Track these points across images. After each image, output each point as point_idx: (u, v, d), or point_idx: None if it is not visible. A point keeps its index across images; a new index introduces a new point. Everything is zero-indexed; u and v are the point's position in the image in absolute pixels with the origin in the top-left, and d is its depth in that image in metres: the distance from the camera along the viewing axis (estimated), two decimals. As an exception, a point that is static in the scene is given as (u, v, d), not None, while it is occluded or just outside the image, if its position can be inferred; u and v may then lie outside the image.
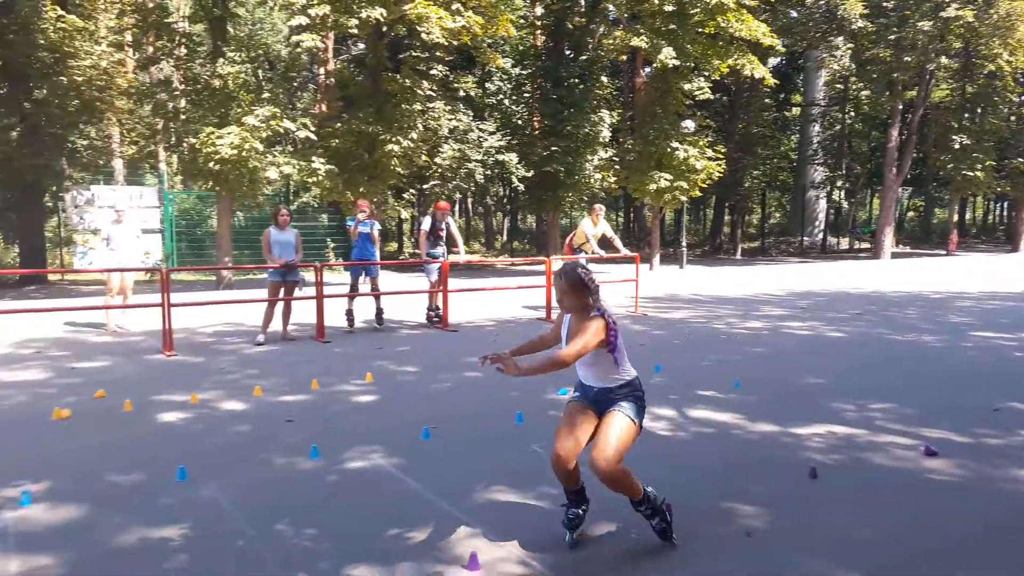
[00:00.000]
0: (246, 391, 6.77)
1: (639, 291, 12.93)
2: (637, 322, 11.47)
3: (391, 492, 4.35)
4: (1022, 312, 12.74)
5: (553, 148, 23.19)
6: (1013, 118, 34.06)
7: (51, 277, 18.76)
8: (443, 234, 11.17)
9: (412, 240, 34.70)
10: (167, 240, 19.46)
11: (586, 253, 12.44)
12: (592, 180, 23.99)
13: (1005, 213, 51.99)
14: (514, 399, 6.46)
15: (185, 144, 16.91)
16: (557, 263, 15.86)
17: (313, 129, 17.86)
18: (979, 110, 32.53)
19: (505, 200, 35.86)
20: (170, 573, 3.37)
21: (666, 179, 22.86)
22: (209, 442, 5.31)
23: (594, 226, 12.41)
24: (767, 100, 33.82)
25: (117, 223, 10.75)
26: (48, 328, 10.51)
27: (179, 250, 19.96)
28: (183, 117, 17.09)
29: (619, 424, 3.54)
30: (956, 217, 40.13)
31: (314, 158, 17.89)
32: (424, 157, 20.24)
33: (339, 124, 19.24)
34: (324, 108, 21.20)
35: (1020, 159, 32.90)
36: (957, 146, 30.37)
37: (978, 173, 30.29)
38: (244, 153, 15.57)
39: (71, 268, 18.96)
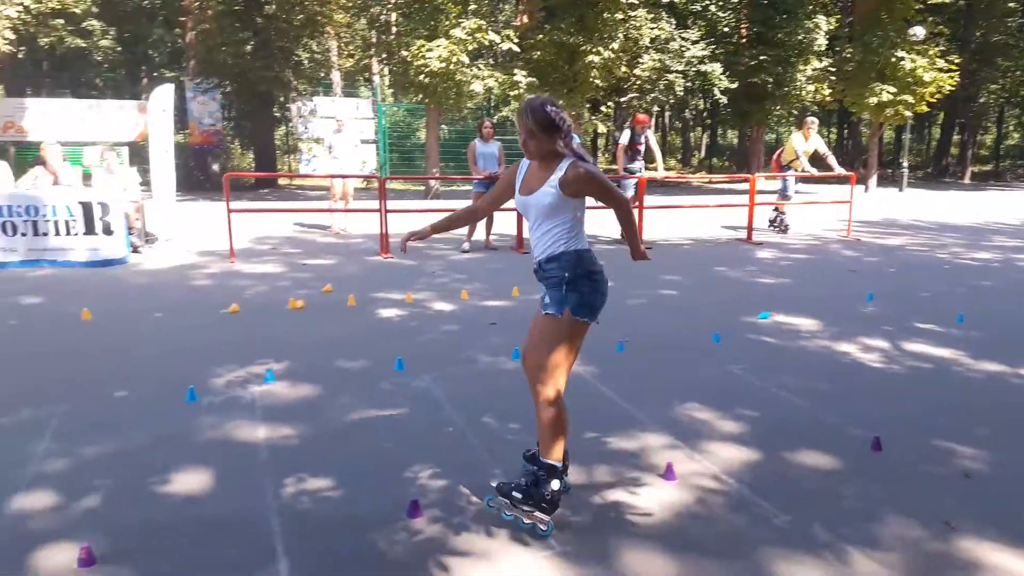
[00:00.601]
0: (454, 294, 7.20)
1: (852, 214, 12.07)
2: (849, 247, 10.77)
3: (588, 398, 4.52)
4: None
5: (762, 57, 21.72)
6: None
7: (280, 181, 20.65)
8: (641, 148, 10.98)
9: (607, 155, 34.36)
10: (381, 150, 20.64)
11: (795, 171, 11.75)
12: (804, 92, 22.28)
13: None
14: (710, 319, 6.38)
15: (397, 57, 17.64)
16: (762, 181, 15.11)
17: (516, 41, 17.94)
18: None
19: (705, 114, 34.30)
20: (388, 448, 3.76)
21: (889, 92, 20.74)
22: (422, 338, 5.76)
23: (805, 140, 11.62)
24: (1011, 3, 29.31)
25: (338, 132, 11.57)
26: (280, 227, 11.67)
27: (391, 160, 21.13)
28: (395, 30, 17.81)
29: (542, 323, 3.04)
30: None
31: (516, 71, 18.03)
32: (624, 68, 19.74)
33: (541, 35, 19.17)
34: (526, 19, 21.15)
35: None
36: None
37: None
38: (451, 66, 16.00)
39: (298, 173, 20.71)
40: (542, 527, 2.97)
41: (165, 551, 2.82)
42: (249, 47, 18.09)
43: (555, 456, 3.03)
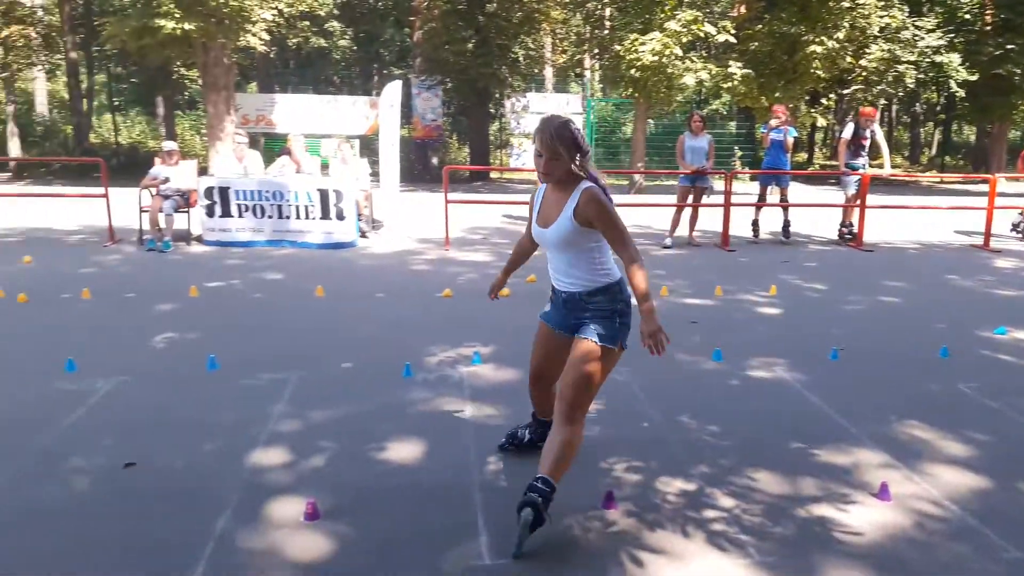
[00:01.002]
0: (654, 289, 7.13)
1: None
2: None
3: (794, 406, 4.33)
4: None
5: (1008, 47, 19.36)
6: None
7: (492, 174, 21.50)
8: (866, 143, 10.21)
9: (825, 150, 32.26)
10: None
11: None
12: (1059, 85, 19.63)
13: None
14: (937, 331, 5.85)
15: (610, 52, 17.70)
16: (1003, 182, 13.45)
17: (732, 32, 17.33)
18: None
19: (938, 108, 31.12)
20: (585, 437, 3.83)
21: None
22: (622, 332, 5.78)
23: None
24: None
25: (548, 127, 11.85)
26: (490, 218, 12.17)
27: (596, 155, 21.29)
28: (609, 24, 17.87)
29: (593, 354, 2.94)
30: None
31: (730, 62, 17.44)
32: (848, 59, 18.42)
33: (760, 26, 18.38)
34: (744, 10, 20.35)
35: None
36: None
37: None
38: (664, 59, 15.81)
39: (508, 167, 21.46)
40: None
41: (379, 513, 3.08)
42: (470, 45, 18.96)
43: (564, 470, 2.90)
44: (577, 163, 2.88)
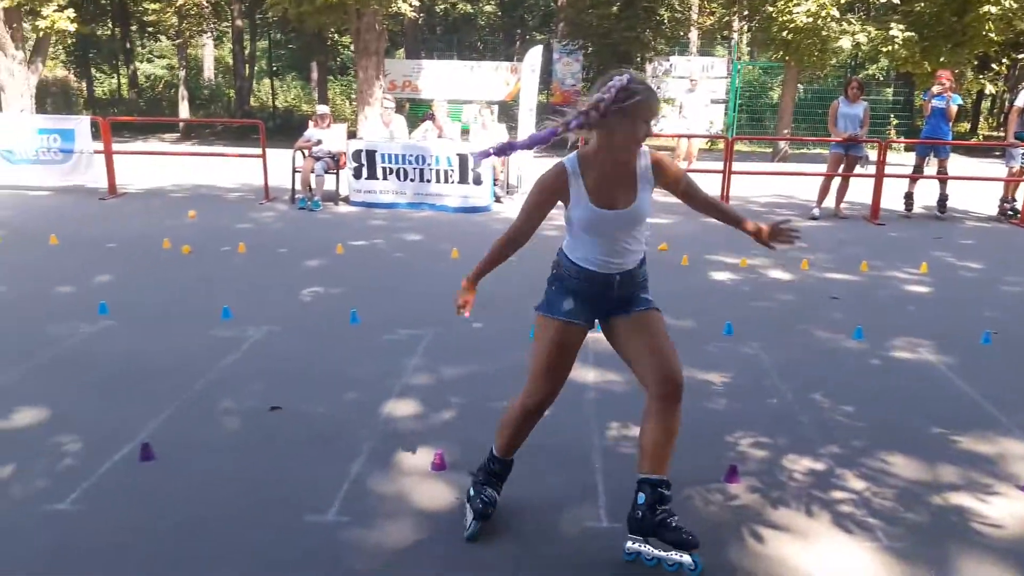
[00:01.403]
0: (794, 262, 6.90)
1: None
2: None
3: (939, 390, 4.10)
4: None
5: None
6: None
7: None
8: (1041, 113, 9.29)
9: (991, 120, 29.51)
10: (730, 110, 20.12)
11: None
12: None
13: None
14: (1116, 320, 5.32)
15: (761, 13, 16.90)
16: None
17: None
18: None
19: None
20: (711, 410, 3.80)
21: None
22: (754, 304, 5.64)
23: None
24: None
25: (690, 91, 11.55)
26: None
27: (739, 121, 20.49)
28: (761, -16, 17.03)
29: (662, 322, 2.72)
30: None
31: (892, 24, 16.21)
32: (1029, 19, 16.67)
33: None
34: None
35: None
36: None
37: None
38: (819, 20, 14.93)
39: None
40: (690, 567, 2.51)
41: (504, 467, 3.20)
42: (615, 8, 18.62)
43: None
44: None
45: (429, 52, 27.72)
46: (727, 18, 22.28)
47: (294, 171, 9.83)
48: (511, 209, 9.80)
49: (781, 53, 16.41)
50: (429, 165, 9.47)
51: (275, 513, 2.84)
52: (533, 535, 2.75)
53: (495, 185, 9.87)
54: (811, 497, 3.00)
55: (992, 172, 11.34)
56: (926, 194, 10.21)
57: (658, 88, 20.25)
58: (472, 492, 2.82)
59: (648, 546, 2.54)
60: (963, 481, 3.13)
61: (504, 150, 2.71)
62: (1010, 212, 9.56)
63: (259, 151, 10.12)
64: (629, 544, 2.57)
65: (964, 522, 2.84)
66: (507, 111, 18.24)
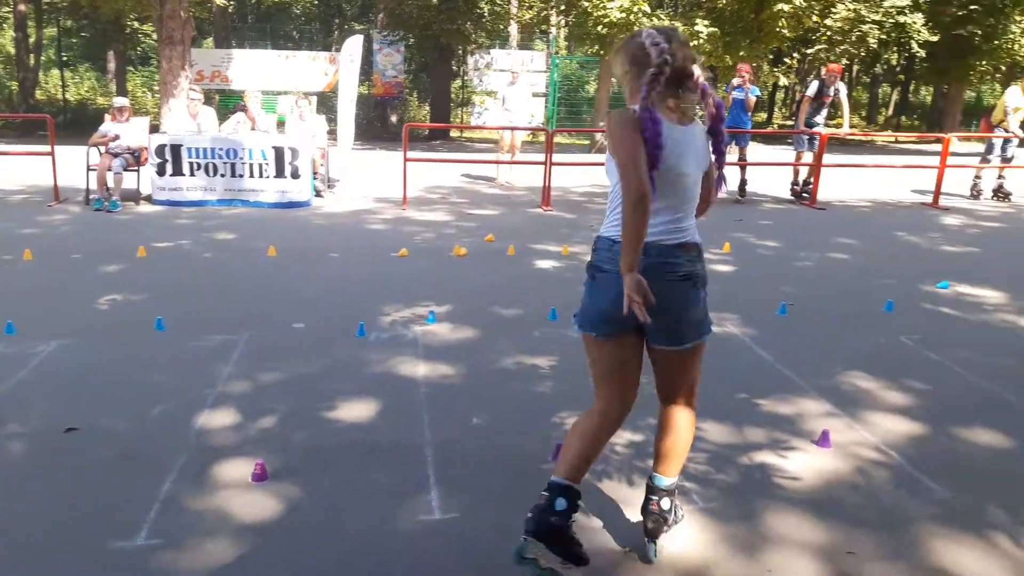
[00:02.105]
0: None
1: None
2: (1058, 217, 9.64)
3: (743, 359, 4.41)
4: None
5: (971, 7, 19.53)
6: None
7: (452, 133, 21.26)
8: (828, 101, 10.28)
9: (784, 110, 32.45)
10: (549, 103, 20.70)
11: (1005, 131, 10.55)
12: (1016, 46, 19.87)
13: None
14: (885, 287, 5.97)
15: (577, 8, 17.48)
16: (955, 143, 13.64)
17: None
18: None
19: (898, 69, 31.41)
20: (538, 393, 3.87)
21: None
22: (576, 290, 5.76)
23: (1023, 94, 10.36)
24: None
25: (512, 85, 11.72)
26: (449, 178, 12.05)
27: (558, 114, 21.14)
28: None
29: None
30: None
31: (697, 20, 17.36)
32: (815, 18, 18.44)
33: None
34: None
35: None
36: None
37: None
38: (631, 16, 15.67)
39: (469, 125, 21.23)
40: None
41: (329, 472, 3.08)
42: (435, 0, 18.58)
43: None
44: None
45: (240, 41, 26.37)
46: (545, 12, 22.89)
47: (88, 169, 8.99)
48: (333, 204, 9.52)
49: (596, 47, 17.08)
50: (242, 159, 8.98)
51: (77, 543, 2.56)
52: (367, 533, 2.66)
53: (315, 179, 9.54)
54: (632, 468, 3.12)
55: (786, 158, 12.40)
56: (730, 180, 10.98)
57: (479, 82, 20.50)
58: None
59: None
60: (767, 441, 3.37)
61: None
62: (804, 194, 10.52)
63: (47, 148, 9.16)
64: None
65: (768, 478, 3.06)
66: (326, 102, 17.73)
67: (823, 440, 3.32)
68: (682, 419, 2.58)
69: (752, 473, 3.10)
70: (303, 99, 10.56)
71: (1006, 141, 10.60)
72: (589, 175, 12.39)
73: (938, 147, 10.91)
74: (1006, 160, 10.76)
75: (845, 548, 2.61)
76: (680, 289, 2.34)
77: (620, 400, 2.50)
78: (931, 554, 2.59)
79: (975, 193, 11.06)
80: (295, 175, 9.07)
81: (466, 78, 22.21)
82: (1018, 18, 19.62)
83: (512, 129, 11.41)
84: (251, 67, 18.73)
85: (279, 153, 8.99)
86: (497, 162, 11.69)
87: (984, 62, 20.74)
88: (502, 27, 23.53)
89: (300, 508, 2.82)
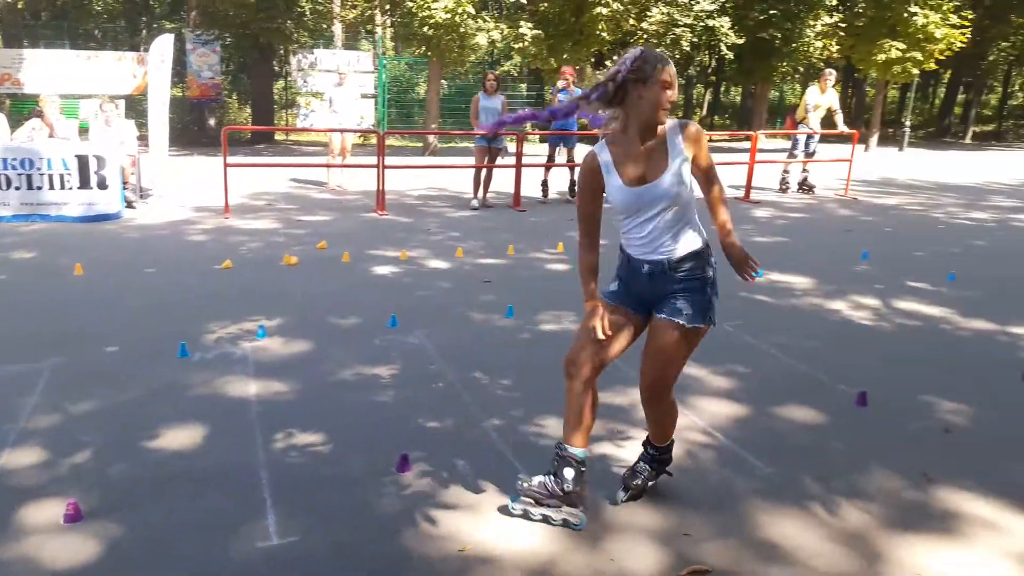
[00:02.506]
0: (449, 251, 7.19)
1: (852, 173, 11.97)
2: (846, 206, 10.71)
3: (579, 355, 4.53)
4: None
5: (771, 12, 21.31)
6: None
7: (277, 136, 20.47)
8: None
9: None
10: (380, 105, 20.43)
11: (807, 127, 11.55)
12: (811, 49, 21.92)
13: None
14: (706, 277, 6.37)
15: (401, 8, 17.34)
16: (763, 140, 14.91)
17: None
18: None
19: (709, 70, 33.82)
20: (379, 403, 3.78)
21: (898, 49, 20.39)
22: (416, 295, 5.76)
23: (821, 93, 11.42)
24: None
25: (339, 86, 11.42)
26: (276, 183, 11.59)
27: (389, 116, 20.91)
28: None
29: (681, 338, 2.67)
30: None
31: (521, 23, 17.74)
32: (632, 21, 19.40)
33: (546, -13, 18.82)
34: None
35: None
36: None
37: None
38: (456, 18, 15.74)
39: (295, 128, 20.52)
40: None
41: (154, 505, 2.84)
42: (253, -1, 17.78)
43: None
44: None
45: (34, 41, 23.99)
46: (369, 12, 22.56)
47: None
48: (148, 215, 8.86)
49: (423, 48, 17.03)
50: (39, 170, 8.15)
51: None
52: (199, 566, 2.48)
53: (125, 189, 8.84)
54: (477, 471, 3.11)
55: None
56: (559, 181, 11.32)
57: (303, 83, 19.86)
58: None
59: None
60: (604, 432, 3.48)
61: (522, 119, 2.75)
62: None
63: None
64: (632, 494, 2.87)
65: (606, 467, 3.16)
66: (135, 105, 16.55)
67: (656, 427, 3.47)
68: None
69: (592, 465, 3.18)
70: (109, 103, 9.75)
71: (809, 137, 11.65)
72: (424, 178, 12.35)
73: (748, 144, 11.79)
74: (809, 155, 11.83)
75: (681, 530, 2.74)
76: None
77: None
78: (757, 528, 2.77)
79: (783, 187, 12.06)
80: (102, 185, 8.35)
81: (290, 79, 21.45)
82: (812, 22, 21.59)
83: (341, 131, 11.14)
84: (47, 69, 17.07)
85: (83, 162, 8.24)
86: (327, 165, 11.37)
87: (785, 63, 22.62)
88: (325, 26, 22.92)
89: (121, 546, 2.58)
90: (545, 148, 11.58)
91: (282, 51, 19.89)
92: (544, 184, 10.77)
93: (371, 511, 2.85)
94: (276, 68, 21.54)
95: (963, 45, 21.09)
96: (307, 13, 20.24)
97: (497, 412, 3.68)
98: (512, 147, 10.49)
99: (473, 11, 16.14)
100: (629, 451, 3.30)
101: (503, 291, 5.85)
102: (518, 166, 10.07)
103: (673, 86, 2.48)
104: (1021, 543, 2.68)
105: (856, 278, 6.46)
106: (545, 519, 2.75)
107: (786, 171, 12.10)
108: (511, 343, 4.73)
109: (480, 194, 10.08)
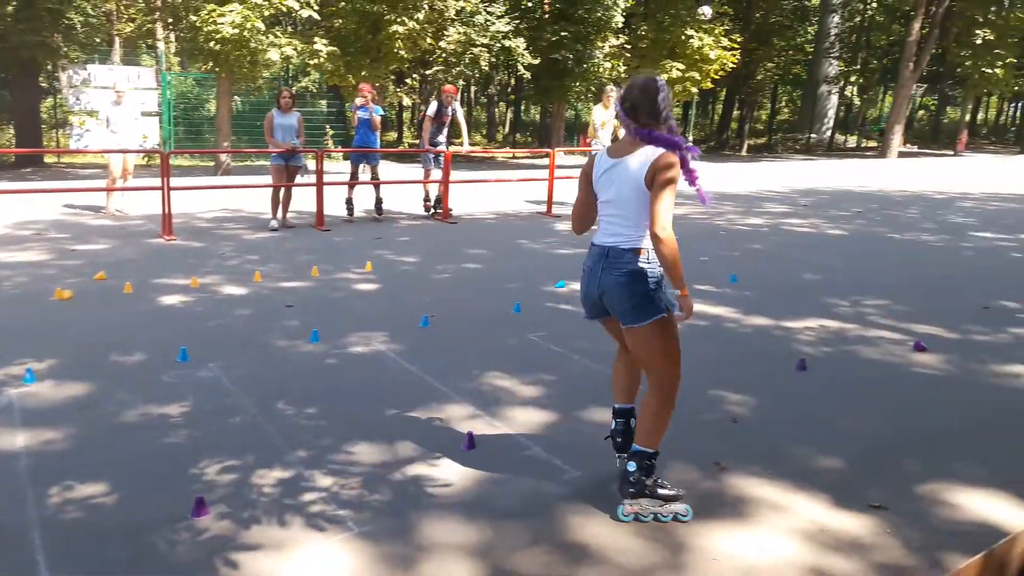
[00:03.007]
0: (246, 276, 6.82)
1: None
2: (639, 216, 11.41)
3: (391, 376, 4.45)
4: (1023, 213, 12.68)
5: (563, 33, 22.38)
6: (1041, 12, 32.92)
7: (47, 159, 18.55)
8: (448, 121, 10.93)
9: (413, 129, 34.08)
10: (165, 123, 19.14)
11: (599, 144, 12.16)
12: (601, 69, 23.27)
13: (1019, 114, 50.78)
14: (512, 290, 6.51)
15: (185, 22, 16.34)
16: (561, 156, 15.59)
17: (316, 8, 17.20)
18: (1007, 3, 31.22)
19: (509, 89, 34.96)
20: (170, 445, 3.48)
21: (678, 69, 22.19)
22: (210, 325, 5.39)
23: (604, 109, 12.02)
24: (788, -15, 32.47)
25: (117, 104, 10.52)
26: (46, 210, 10.45)
27: (176, 134, 19.63)
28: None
29: (649, 340, 3.05)
30: (968, 117, 39.18)
31: (316, 39, 17.34)
32: (429, 40, 19.57)
33: (342, 3, 18.55)
34: (326, -15, 20.38)
35: (1043, 57, 31.89)
36: (979, 41, 29.45)
37: (997, 71, 29.50)
38: (245, 33, 15.07)
39: (68, 149, 18.71)
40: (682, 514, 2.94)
41: None
42: (11, 7, 15.98)
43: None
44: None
45: None
46: (148, 26, 21.11)
47: None
48: None
49: (211, 64, 16.17)
50: None
51: None
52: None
53: None
54: (283, 507, 2.94)
55: (417, 175, 12.90)
56: (366, 199, 11.16)
57: (76, 101, 18.19)
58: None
59: (641, 504, 2.91)
60: (418, 452, 3.43)
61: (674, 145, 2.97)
62: (435, 210, 11.04)
63: None
64: (627, 507, 2.91)
65: (421, 489, 3.11)
66: None
67: (468, 443, 3.47)
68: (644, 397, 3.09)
69: (406, 488, 3.12)
70: None
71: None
72: (217, 198, 11.66)
73: (547, 161, 12.23)
74: None
75: (496, 542, 2.74)
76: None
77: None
78: (567, 531, 2.83)
79: None
80: None
81: (60, 96, 19.53)
82: (601, 44, 22.91)
83: (121, 152, 10.26)
84: None
85: None
86: (107, 189, 10.42)
87: (578, 83, 23.81)
88: (99, 40, 21.15)
89: None
90: (348, 165, 11.35)
91: (49, 66, 18.07)
92: (349, 202, 10.54)
93: (164, 561, 2.60)
94: (44, 84, 19.55)
95: (734, 66, 23.34)
96: (77, 26, 18.56)
97: (304, 443, 3.51)
98: (312, 164, 10.19)
99: (263, 26, 15.55)
100: (444, 469, 3.26)
101: (307, 315, 5.63)
102: (319, 184, 9.78)
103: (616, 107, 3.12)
104: (803, 521, 2.94)
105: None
106: (655, 517, 2.91)
107: None
108: (318, 369, 4.55)
109: (280, 214, 9.68)
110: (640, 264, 2.96)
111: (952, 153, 33.98)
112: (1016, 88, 32.60)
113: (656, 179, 2.84)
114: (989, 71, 29.62)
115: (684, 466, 3.35)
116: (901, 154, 31.30)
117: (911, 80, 30.03)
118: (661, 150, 2.87)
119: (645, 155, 2.88)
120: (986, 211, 13.13)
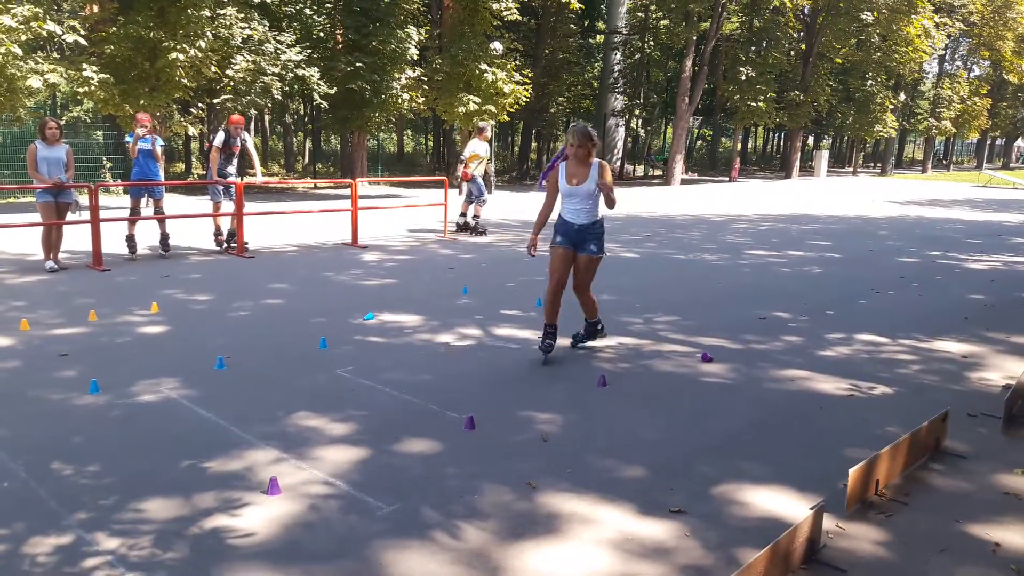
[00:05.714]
0: (10, 324, 6.08)
1: (448, 216, 12.96)
2: (446, 246, 11.53)
3: (184, 424, 4.13)
4: (789, 232, 14.25)
5: (358, 64, 22.24)
6: (792, 53, 37.44)
7: None
8: (237, 151, 10.46)
9: (202, 159, 32.31)
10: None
11: (489, 174, 12.43)
12: (400, 100, 23.38)
13: (781, 143, 57.26)
14: (319, 325, 6.31)
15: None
16: (364, 186, 15.42)
17: (83, 33, 15.86)
18: (764, 44, 35.25)
19: (306, 119, 34.14)
20: (-80, 525, 3.00)
21: (475, 102, 22.76)
22: (-35, 381, 4.73)
23: (482, 142, 12.78)
24: (572, 26, 34.43)
25: None
26: None
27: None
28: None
29: (592, 263, 5.46)
30: (739, 146, 43.60)
31: (85, 66, 15.98)
32: (214, 69, 18.65)
33: (114, 28, 17.23)
34: (95, 9, 18.80)
35: (796, 92, 36.22)
36: (743, 78, 33.03)
37: (760, 104, 33.16)
38: (2, 59, 13.57)
39: None
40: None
41: None
42: None
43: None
44: (592, 149, 5.29)
45: None
46: None
47: None
48: None
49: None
50: None
51: None
52: None
53: None
54: (61, 581, 2.62)
55: (206, 209, 12.21)
56: (149, 235, 10.35)
57: None
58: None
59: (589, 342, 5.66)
60: (217, 504, 3.20)
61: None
62: (228, 244, 10.47)
63: None
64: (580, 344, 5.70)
65: (221, 542, 2.90)
66: None
67: (272, 488, 3.29)
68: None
69: (204, 542, 2.90)
70: None
71: (472, 181, 12.60)
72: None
73: (348, 191, 12.01)
74: (471, 200, 12.77)
75: (307, 590, 2.61)
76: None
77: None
78: (384, 568, 2.76)
79: (479, 231, 12.83)
80: None
81: None
82: (397, 75, 22.99)
83: None
84: None
85: None
86: None
87: (376, 113, 23.73)
88: None
89: None
90: (127, 199, 10.48)
91: None
92: (130, 239, 9.73)
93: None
94: None
95: (528, 100, 24.32)
96: None
97: (83, 505, 3.16)
98: (84, 200, 9.32)
99: (20, 52, 14.11)
100: (246, 518, 3.07)
101: (85, 364, 5.11)
102: (95, 220, 8.95)
103: (575, 144, 5.24)
104: (610, 531, 3.06)
105: (459, 311, 6.95)
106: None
107: (463, 214, 12.91)
108: (99, 422, 4.13)
109: (53, 255, 8.76)
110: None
111: (728, 179, 37.55)
112: (777, 119, 36.69)
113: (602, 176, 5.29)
114: (753, 104, 33.25)
115: (497, 488, 3.38)
116: (683, 181, 34.13)
117: (687, 113, 32.89)
118: (601, 161, 5.35)
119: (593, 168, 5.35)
120: (758, 231, 14.61)
